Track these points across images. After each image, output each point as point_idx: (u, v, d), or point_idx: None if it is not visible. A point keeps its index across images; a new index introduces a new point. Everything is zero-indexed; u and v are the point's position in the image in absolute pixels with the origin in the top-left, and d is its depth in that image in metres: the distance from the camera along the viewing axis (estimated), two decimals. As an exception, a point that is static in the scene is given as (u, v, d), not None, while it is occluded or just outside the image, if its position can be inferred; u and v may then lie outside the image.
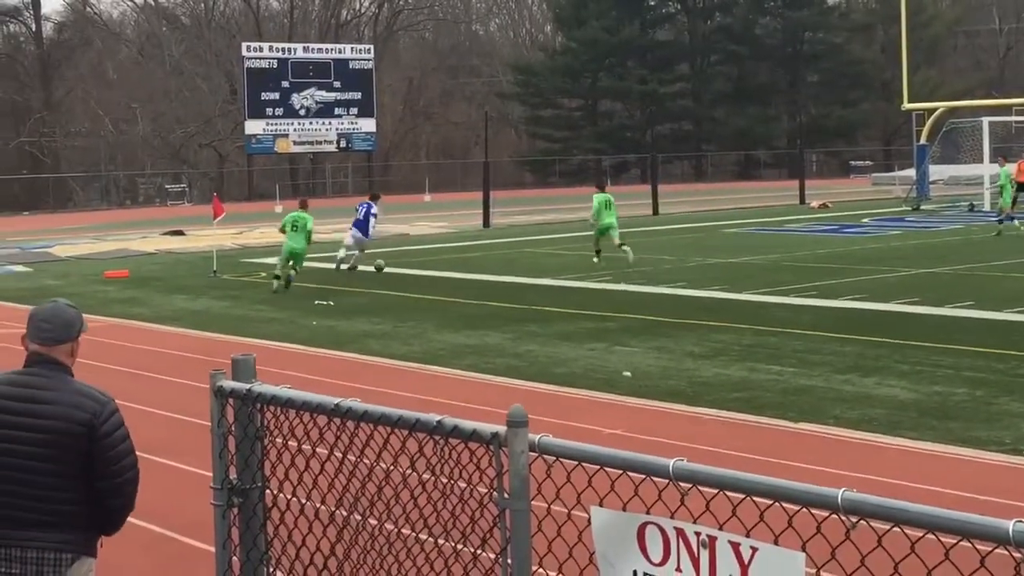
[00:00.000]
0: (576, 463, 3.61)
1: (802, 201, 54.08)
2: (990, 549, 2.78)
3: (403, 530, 4.23)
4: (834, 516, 3.01)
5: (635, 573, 3.44)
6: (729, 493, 3.27)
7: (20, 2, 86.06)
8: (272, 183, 71.30)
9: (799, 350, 16.18)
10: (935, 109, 53.31)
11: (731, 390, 13.73)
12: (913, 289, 22.25)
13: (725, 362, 15.50)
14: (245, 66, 72.26)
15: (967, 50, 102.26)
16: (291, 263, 25.32)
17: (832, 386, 13.77)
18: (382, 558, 4.34)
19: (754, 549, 3.14)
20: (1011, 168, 37.16)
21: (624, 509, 3.48)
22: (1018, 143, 65.73)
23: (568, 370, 15.33)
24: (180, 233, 43.26)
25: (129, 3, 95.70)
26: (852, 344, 16.47)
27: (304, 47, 77.00)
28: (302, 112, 73.84)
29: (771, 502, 3.17)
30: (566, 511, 3.74)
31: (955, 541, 2.83)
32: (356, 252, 28.97)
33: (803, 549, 3.09)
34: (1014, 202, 35.67)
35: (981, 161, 49.59)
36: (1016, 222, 35.03)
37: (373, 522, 4.37)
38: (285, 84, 72.79)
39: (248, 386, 4.65)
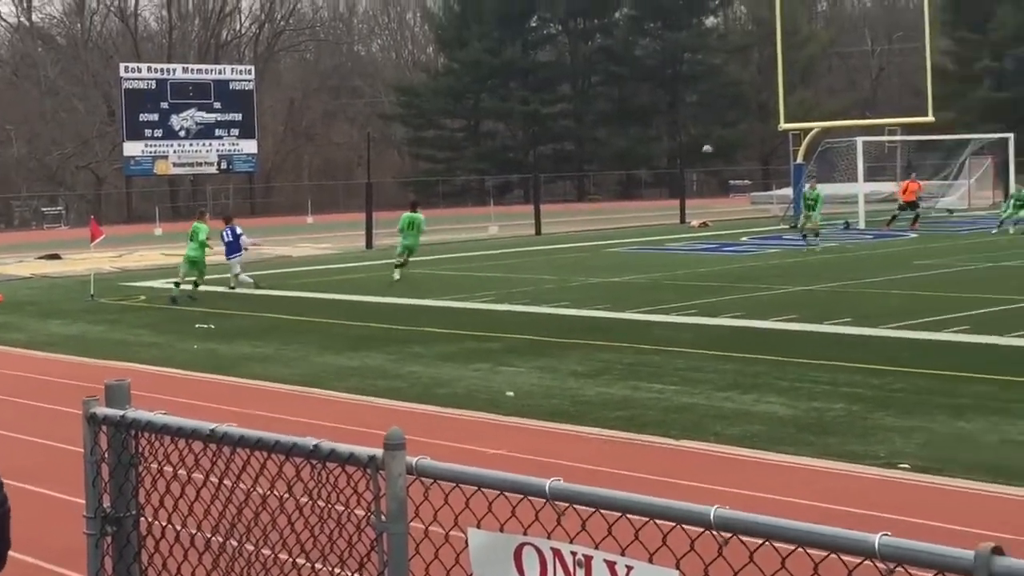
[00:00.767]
0: (454, 485, 3.61)
1: (683, 220, 54.64)
2: (858, 562, 2.84)
3: (280, 555, 4.19)
4: (708, 533, 3.06)
5: (512, 594, 3.44)
6: (605, 512, 3.29)
7: None
8: (152, 205, 70.36)
9: (681, 368, 16.35)
10: (810, 129, 54.29)
11: (614, 409, 13.83)
12: (791, 306, 22.62)
13: (608, 381, 15.61)
14: (123, 87, 71.39)
15: (841, 71, 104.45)
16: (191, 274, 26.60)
17: (713, 403, 13.93)
18: (259, 584, 4.29)
19: (629, 567, 3.17)
20: (820, 190, 39.63)
21: (501, 530, 3.48)
22: (891, 162, 67.23)
23: (451, 391, 15.32)
24: (56, 257, 42.43)
25: (3, 23, 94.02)
26: (732, 362, 16.68)
27: (183, 68, 76.28)
28: (182, 133, 73.10)
29: (646, 520, 3.21)
30: (444, 533, 3.74)
31: (825, 555, 2.88)
32: (240, 270, 29.47)
33: (677, 566, 3.13)
34: (892, 219, 36.63)
35: (856, 180, 50.65)
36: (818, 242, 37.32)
37: (250, 548, 4.32)
38: (164, 105, 72.01)
39: (122, 412, 4.56)
